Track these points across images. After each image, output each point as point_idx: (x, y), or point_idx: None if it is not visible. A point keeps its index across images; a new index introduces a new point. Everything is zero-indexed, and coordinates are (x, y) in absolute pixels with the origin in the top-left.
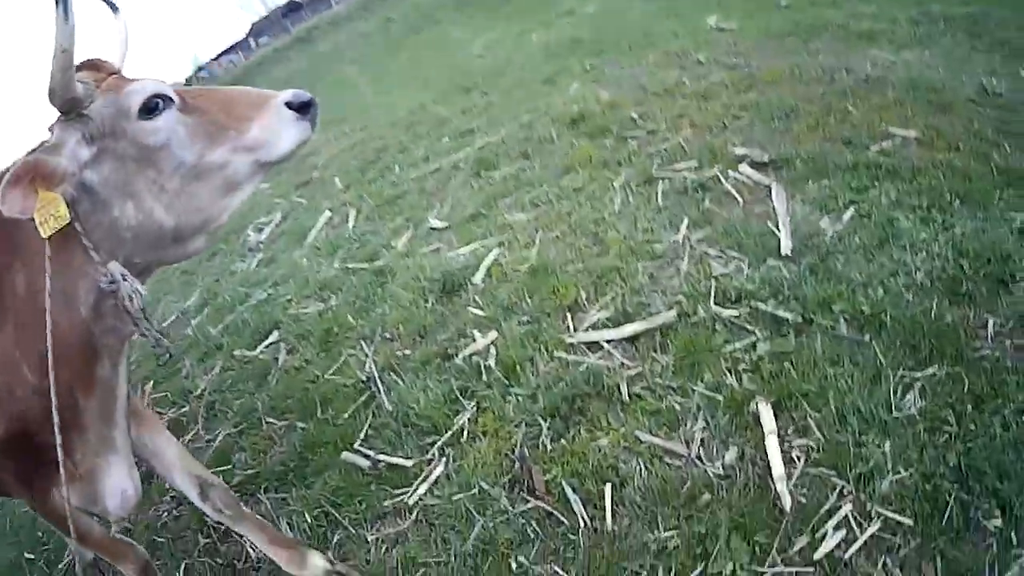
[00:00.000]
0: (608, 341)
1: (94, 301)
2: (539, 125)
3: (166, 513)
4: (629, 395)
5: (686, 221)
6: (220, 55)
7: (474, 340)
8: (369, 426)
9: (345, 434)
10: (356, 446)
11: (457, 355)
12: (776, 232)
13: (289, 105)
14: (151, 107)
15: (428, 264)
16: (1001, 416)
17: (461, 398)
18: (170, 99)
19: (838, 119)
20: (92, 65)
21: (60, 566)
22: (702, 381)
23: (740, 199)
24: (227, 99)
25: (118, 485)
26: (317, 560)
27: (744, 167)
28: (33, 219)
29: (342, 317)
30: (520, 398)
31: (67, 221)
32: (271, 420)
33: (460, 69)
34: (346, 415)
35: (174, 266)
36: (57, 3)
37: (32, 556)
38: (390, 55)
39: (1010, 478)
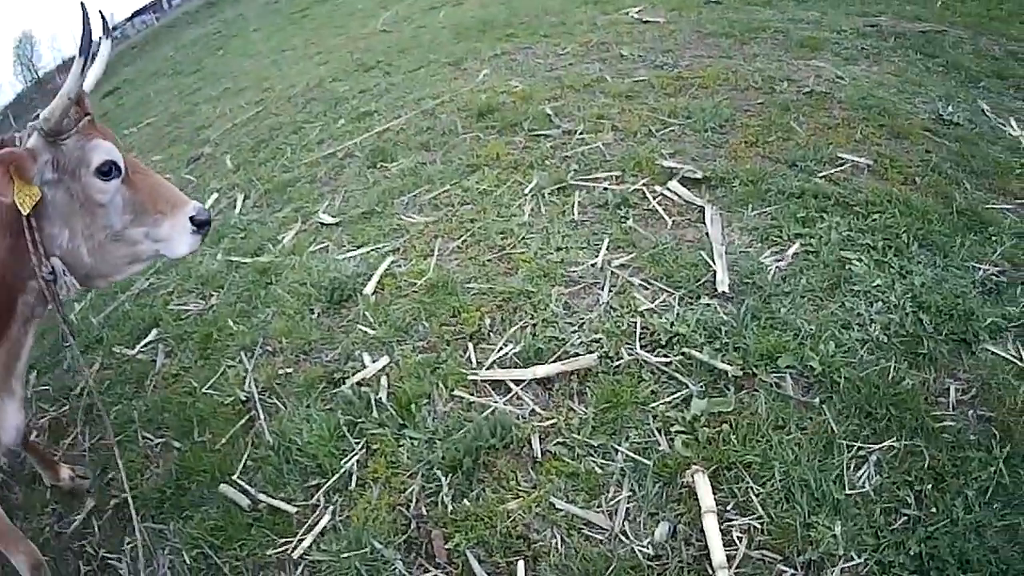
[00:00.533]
0: (517, 382)
1: (26, 279)
2: (443, 114)
3: (48, 528)
4: (542, 452)
5: (606, 242)
6: (134, 15)
7: (363, 365)
8: (248, 457)
9: (223, 463)
10: (235, 478)
11: (344, 381)
12: (711, 264)
13: (192, 219)
14: (105, 170)
15: (316, 266)
16: (964, 497)
17: (348, 435)
18: (119, 168)
19: (780, 136)
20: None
21: None
22: (627, 441)
23: (668, 220)
24: (155, 188)
25: (12, 422)
26: (65, 472)
27: (674, 184)
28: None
29: (223, 320)
30: (415, 443)
31: (39, 196)
32: (147, 435)
33: (362, 44)
34: (224, 440)
35: None
36: (80, 55)
37: None
38: (294, 24)
39: (972, 568)
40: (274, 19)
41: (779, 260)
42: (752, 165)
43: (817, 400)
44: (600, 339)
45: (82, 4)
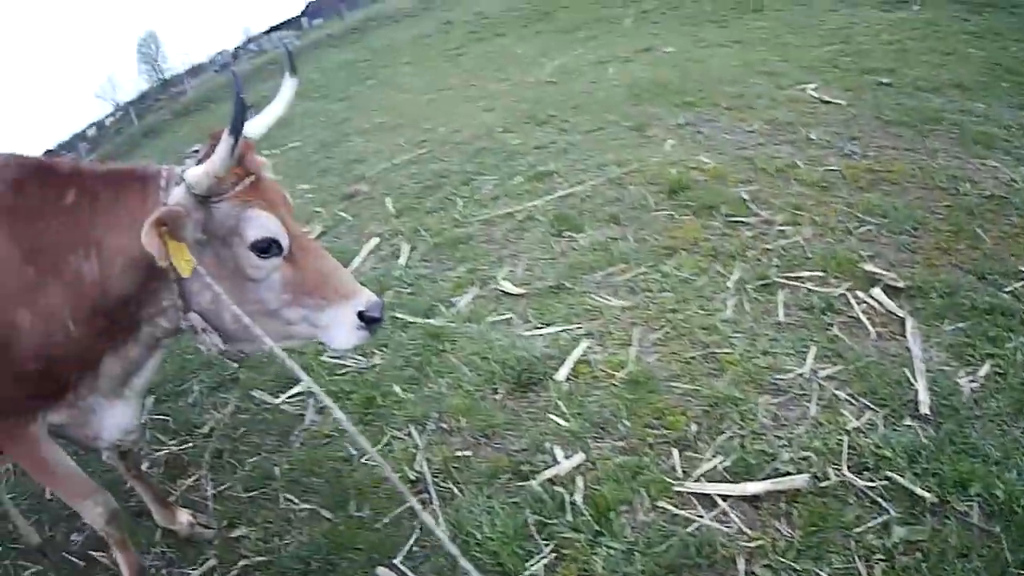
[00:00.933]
0: (724, 498)
1: (156, 315)
2: (631, 185)
3: (153, 569)
4: (746, 573)
5: (814, 350)
6: (271, 30)
7: (555, 460)
8: (415, 543)
9: (383, 544)
10: (398, 563)
11: (533, 476)
12: (912, 382)
13: (361, 315)
14: (263, 247)
15: (498, 340)
16: None
17: (536, 536)
18: (280, 248)
19: (969, 244)
20: (240, 153)
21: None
22: (830, 566)
23: (872, 331)
24: (324, 271)
25: (115, 420)
26: (183, 517)
27: (878, 292)
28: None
29: (387, 384)
30: (612, 552)
31: (195, 263)
32: (290, 497)
33: (529, 94)
34: (386, 520)
35: None
36: (231, 134)
37: None
38: (449, 62)
39: None
40: (426, 53)
41: (972, 381)
42: (946, 275)
43: (997, 528)
44: (809, 457)
45: (234, 73)
